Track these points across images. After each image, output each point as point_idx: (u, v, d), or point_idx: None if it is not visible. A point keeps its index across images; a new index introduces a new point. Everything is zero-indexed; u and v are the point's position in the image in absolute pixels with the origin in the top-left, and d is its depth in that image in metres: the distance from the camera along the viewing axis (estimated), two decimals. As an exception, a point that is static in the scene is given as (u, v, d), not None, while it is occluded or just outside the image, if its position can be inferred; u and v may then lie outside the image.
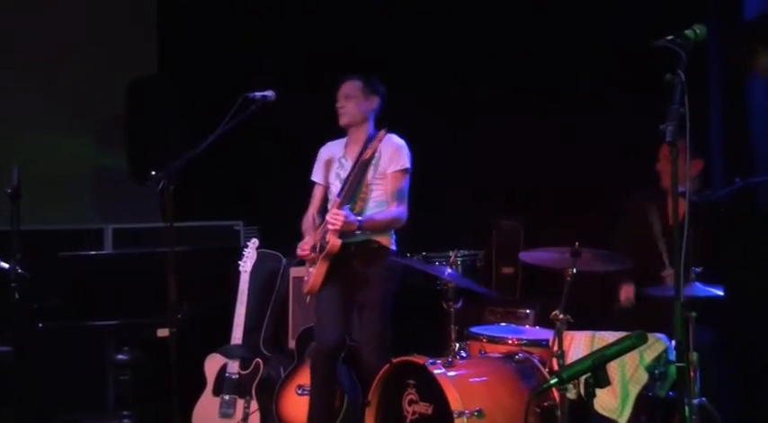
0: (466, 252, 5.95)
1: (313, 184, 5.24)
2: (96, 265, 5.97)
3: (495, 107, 6.44)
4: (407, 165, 5.01)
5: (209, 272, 5.92)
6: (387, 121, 5.12)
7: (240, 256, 5.71)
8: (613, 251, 4.52)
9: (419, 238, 6.28)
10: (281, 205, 6.10)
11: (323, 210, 5.15)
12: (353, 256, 4.93)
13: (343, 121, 5.05)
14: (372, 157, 4.94)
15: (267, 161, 7.26)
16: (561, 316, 4.27)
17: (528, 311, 5.82)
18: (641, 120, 4.44)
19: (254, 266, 5.70)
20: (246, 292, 5.63)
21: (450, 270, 4.90)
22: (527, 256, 4.88)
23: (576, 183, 6.08)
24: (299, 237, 5.17)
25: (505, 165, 6.48)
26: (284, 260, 6.36)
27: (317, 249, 4.92)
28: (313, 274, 4.94)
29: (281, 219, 7.02)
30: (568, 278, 4.36)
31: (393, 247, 5.07)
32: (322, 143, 5.32)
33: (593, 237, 4.68)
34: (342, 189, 4.97)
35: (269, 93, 4.63)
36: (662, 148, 4.93)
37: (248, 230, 6.60)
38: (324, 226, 4.92)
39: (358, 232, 4.87)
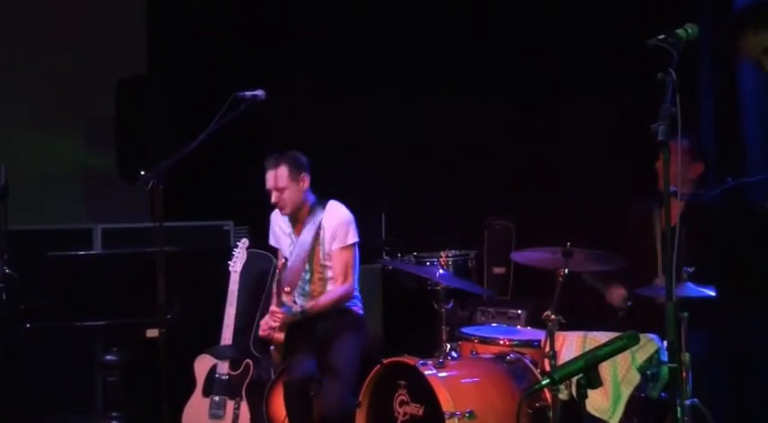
0: (457, 252, 5.94)
1: (273, 249, 5.35)
2: (85, 265, 5.95)
3: (485, 106, 6.45)
4: (353, 239, 5.03)
5: (199, 272, 5.90)
6: (375, 122, 5.10)
7: (230, 257, 5.68)
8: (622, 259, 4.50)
9: (411, 238, 6.29)
10: (271, 205, 6.07)
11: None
12: (315, 321, 5.00)
13: (285, 212, 5.09)
14: (318, 232, 4.99)
15: (257, 161, 7.23)
16: (553, 316, 4.27)
17: (519, 312, 5.81)
18: (636, 118, 4.46)
19: (244, 267, 5.67)
20: (236, 292, 5.60)
21: (441, 270, 4.90)
22: (518, 256, 4.89)
23: (568, 182, 6.09)
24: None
25: (497, 164, 6.49)
26: (274, 260, 6.33)
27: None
28: (274, 350, 5.02)
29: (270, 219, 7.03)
30: (560, 278, 4.35)
31: (358, 310, 5.11)
32: (312, 142, 5.29)
33: (585, 237, 4.68)
34: (286, 280, 4.96)
35: (259, 92, 4.62)
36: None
37: (238, 230, 6.58)
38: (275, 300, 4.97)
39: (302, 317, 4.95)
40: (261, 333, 5.05)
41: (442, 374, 4.45)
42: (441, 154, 6.67)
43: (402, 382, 4.58)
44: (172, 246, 5.60)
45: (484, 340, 4.88)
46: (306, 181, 5.03)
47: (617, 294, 4.84)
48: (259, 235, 6.07)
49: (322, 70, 7.06)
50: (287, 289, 4.88)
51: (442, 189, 6.73)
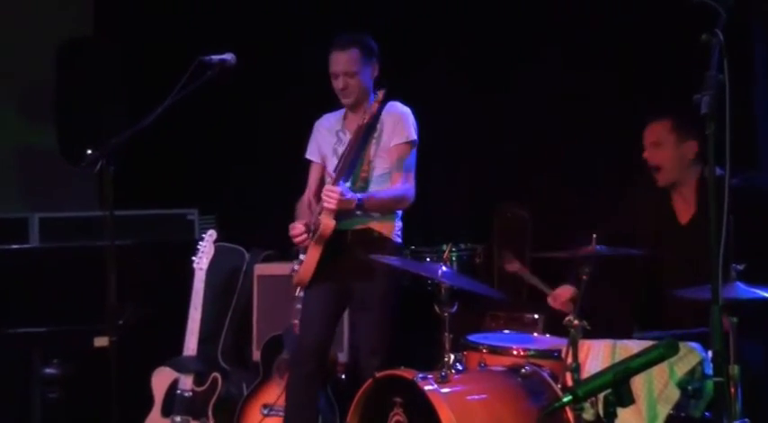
0: (462, 246, 5.95)
1: (309, 163, 5.25)
2: (19, 260, 5.96)
3: (497, 75, 6.46)
4: (413, 136, 5.03)
5: (157, 269, 5.92)
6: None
7: (194, 251, 5.69)
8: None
9: (406, 229, 6.29)
10: (243, 190, 6.10)
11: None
12: (350, 246, 4.95)
13: (349, 101, 5.05)
14: (374, 124, 4.97)
15: (227, 138, 7.26)
16: (576, 322, 4.28)
17: (536, 317, 5.81)
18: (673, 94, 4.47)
19: (212, 263, 5.69)
20: (202, 293, 5.62)
21: (443, 268, 4.90)
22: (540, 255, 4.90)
23: (594, 163, 6.10)
24: (267, 227, 5.17)
25: (509, 141, 6.50)
26: (247, 255, 6.36)
27: (311, 232, 4.94)
28: (303, 262, 4.96)
29: (243, 206, 7.05)
30: (584, 277, 4.36)
31: (398, 240, 5.11)
32: (291, 116, 5.32)
33: (611, 232, 4.70)
34: (338, 163, 4.98)
35: (228, 56, 4.62)
36: (646, 132, 4.94)
37: (204, 220, 6.59)
38: (318, 207, 4.93)
39: (358, 213, 4.91)
40: (292, 233, 4.98)
41: (445, 390, 4.46)
42: (441, 128, 6.67)
43: (398, 400, 4.58)
44: (124, 238, 5.62)
45: (494, 350, 4.88)
46: (375, 68, 5.06)
47: (562, 295, 4.89)
48: (228, 225, 6.09)
49: (300, 30, 7.06)
50: (332, 175, 4.90)
51: (443, 170, 6.73)
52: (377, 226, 5.02)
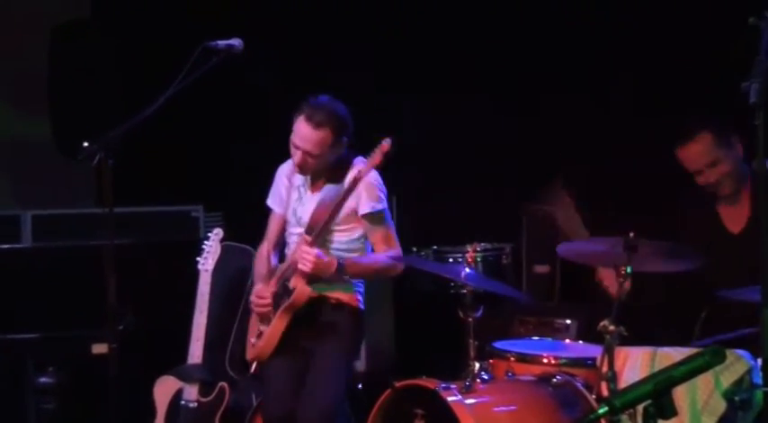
0: (488, 246, 5.94)
1: (269, 210, 5.19)
2: (10, 261, 5.98)
3: (526, 67, 6.49)
4: (381, 206, 4.88)
5: (160, 271, 5.93)
6: (395, 89, 5.09)
7: (200, 251, 5.69)
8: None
9: (429, 228, 6.30)
10: (251, 185, 6.07)
11: (281, 246, 5.14)
12: (308, 315, 4.90)
13: (303, 173, 4.97)
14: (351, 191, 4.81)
15: (233, 130, 7.26)
16: (612, 327, 4.26)
17: (568, 322, 5.82)
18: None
19: (218, 264, 5.69)
20: (208, 296, 5.62)
21: (467, 269, 4.91)
22: (567, 249, 4.89)
23: (630, 157, 6.10)
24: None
25: (539, 135, 6.50)
26: (255, 254, 6.36)
27: (275, 299, 4.90)
28: (266, 334, 4.89)
29: (252, 202, 7.04)
30: (621, 279, 4.35)
31: (361, 306, 5.03)
32: (297, 106, 5.30)
33: (652, 226, 4.69)
34: (315, 224, 4.84)
35: (235, 41, 4.62)
36: (688, 155, 4.95)
37: (210, 218, 6.60)
38: (283, 270, 4.89)
39: (345, 277, 4.86)
40: (258, 306, 4.93)
41: (470, 401, 4.46)
42: (467, 122, 6.67)
43: (419, 411, 4.59)
44: (124, 237, 5.62)
45: (523, 358, 4.88)
46: (344, 146, 4.91)
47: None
48: (236, 223, 6.09)
49: (313, 16, 7.07)
50: (308, 238, 4.75)
51: (469, 166, 6.73)
52: (335, 293, 4.94)
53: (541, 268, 6.16)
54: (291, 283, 4.80)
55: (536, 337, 5.51)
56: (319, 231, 4.75)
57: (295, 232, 4.99)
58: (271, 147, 5.34)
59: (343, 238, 4.90)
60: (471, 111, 6.65)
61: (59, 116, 7.07)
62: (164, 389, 5.65)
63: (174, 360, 5.68)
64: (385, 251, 4.88)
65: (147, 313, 5.81)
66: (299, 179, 5.04)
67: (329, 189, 4.89)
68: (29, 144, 7.47)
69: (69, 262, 5.87)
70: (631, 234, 4.36)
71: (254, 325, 5.02)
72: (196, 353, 5.60)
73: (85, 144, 4.34)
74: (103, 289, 4.30)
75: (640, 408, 3.11)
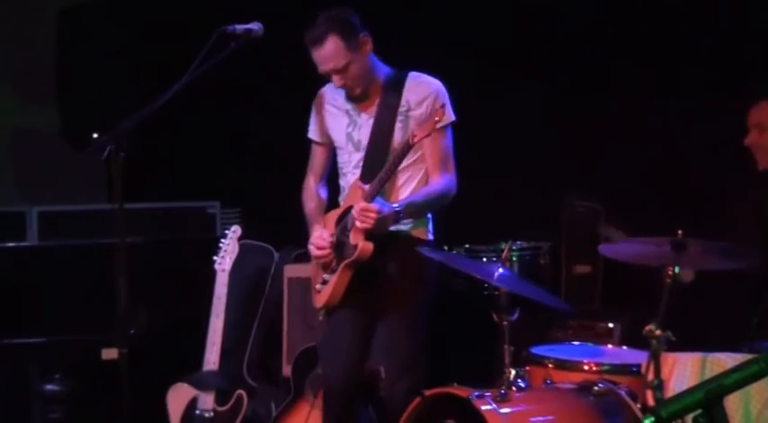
0: (524, 244, 5.93)
1: (310, 142, 5.22)
2: (15, 260, 6.01)
3: (573, 57, 6.51)
4: (450, 117, 4.94)
5: (174, 271, 5.94)
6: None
7: (216, 250, 5.71)
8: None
9: (460, 224, 6.28)
10: (271, 180, 6.11)
11: (330, 176, 5.15)
12: (376, 256, 4.86)
13: (358, 92, 4.96)
14: (395, 104, 4.86)
15: (253, 121, 7.27)
16: (658, 331, 4.24)
17: (611, 326, 5.83)
18: None
19: (236, 264, 5.70)
20: (225, 298, 5.64)
21: (501, 270, 4.89)
22: (610, 249, 4.87)
23: (678, 152, 6.09)
24: (298, 221, 5.17)
25: (579, 125, 6.49)
26: (276, 255, 6.37)
27: (334, 248, 4.91)
28: (331, 284, 4.91)
29: (271, 198, 7.05)
30: (668, 280, 4.33)
31: (431, 237, 5.06)
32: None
33: (700, 224, 4.67)
34: (364, 165, 4.90)
35: (255, 26, 4.62)
36: (750, 114, 4.93)
37: (227, 214, 6.62)
38: (339, 214, 4.92)
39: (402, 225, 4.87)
40: (315, 253, 4.95)
41: (505, 410, 4.44)
42: (501, 111, 6.66)
43: (450, 422, 4.58)
44: (136, 235, 5.65)
45: (562, 364, 4.86)
46: (368, 42, 4.91)
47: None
48: (254, 220, 6.09)
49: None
50: (364, 188, 4.77)
51: (502, 158, 6.72)
52: (406, 229, 4.96)
53: (582, 269, 6.14)
54: (351, 239, 4.81)
55: (576, 342, 5.50)
56: (377, 184, 4.76)
57: (354, 159, 5.02)
58: (293, 138, 5.35)
59: (409, 157, 4.87)
60: (509, 97, 6.65)
61: (68, 105, 7.10)
62: (177, 397, 5.67)
63: (188, 366, 5.70)
64: (440, 175, 4.92)
65: (160, 316, 5.83)
66: (344, 102, 5.05)
67: (383, 108, 4.93)
68: (35, 135, 7.51)
69: (77, 262, 5.90)
70: (680, 232, 4.34)
71: (317, 271, 5.03)
72: (212, 359, 5.62)
73: (95, 135, 4.36)
74: (114, 290, 4.31)
75: (689, 418, 3.10)
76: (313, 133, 5.19)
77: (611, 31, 6.47)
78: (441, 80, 4.95)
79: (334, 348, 5.02)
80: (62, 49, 7.12)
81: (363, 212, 4.68)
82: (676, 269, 4.34)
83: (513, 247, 5.74)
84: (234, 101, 7.19)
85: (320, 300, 4.98)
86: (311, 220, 5.11)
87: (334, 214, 5.00)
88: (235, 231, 5.77)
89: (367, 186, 4.78)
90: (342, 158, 5.09)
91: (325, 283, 4.95)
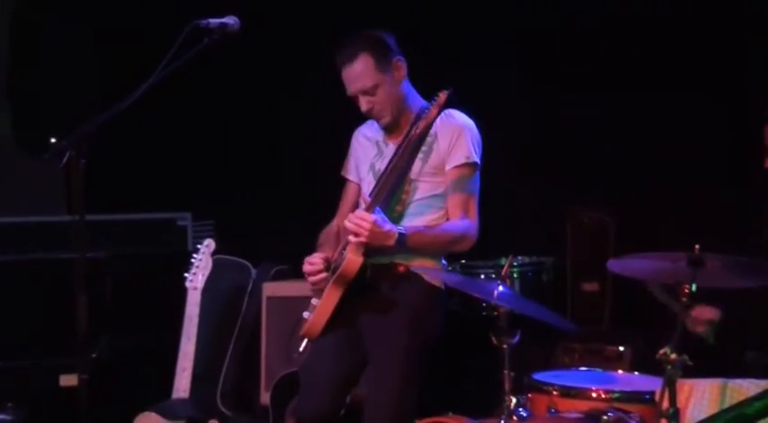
0: (526, 259, 5.93)
1: (344, 181, 5.21)
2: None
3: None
4: (475, 157, 4.93)
5: (141, 289, 5.93)
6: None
7: (188, 266, 5.70)
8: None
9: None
10: (247, 190, 6.11)
11: None
12: (369, 284, 4.86)
13: (386, 120, 4.96)
14: (424, 136, 4.83)
15: (228, 125, 7.27)
16: (674, 355, 4.24)
17: (621, 349, 5.84)
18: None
19: (209, 281, 5.70)
20: (197, 319, 5.63)
21: (501, 287, 4.89)
22: (620, 265, 4.87)
23: (695, 159, 6.11)
24: (277, 234, 5.17)
25: (585, 131, 6.52)
26: (254, 271, 6.37)
27: (331, 271, 4.88)
28: (317, 308, 4.87)
29: (248, 210, 7.06)
30: (685, 299, 4.33)
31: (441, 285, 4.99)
32: (311, 99, 5.31)
33: (717, 239, 4.67)
34: (376, 184, 4.90)
35: (230, 20, 4.60)
36: (766, 134, 4.97)
37: (199, 227, 6.62)
38: (344, 240, 4.87)
39: (410, 252, 4.82)
40: (307, 269, 4.90)
41: (506, 443, 4.46)
42: (499, 117, 6.69)
43: (445, 455, 4.59)
44: (99, 250, 5.63)
45: (568, 392, 4.85)
46: (402, 67, 4.93)
47: (701, 316, 4.85)
48: (230, 234, 6.08)
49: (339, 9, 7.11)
50: (367, 200, 4.77)
51: (502, 166, 6.73)
52: (410, 260, 4.90)
53: (589, 286, 6.16)
54: (345, 252, 4.77)
55: (583, 368, 5.49)
56: (379, 192, 4.77)
57: (371, 187, 4.98)
58: (270, 149, 5.40)
59: (426, 190, 4.88)
60: (508, 98, 6.68)
61: (21, 108, 7.07)
62: (145, 428, 5.66)
63: (156, 394, 5.69)
64: (460, 219, 4.89)
65: (125, 339, 5.81)
66: (376, 133, 5.06)
67: (408, 137, 4.89)
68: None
69: (34, 278, 5.89)
70: (697, 246, 4.34)
71: (311, 303, 4.99)
72: (182, 386, 5.61)
73: (53, 140, 4.33)
74: (73, 310, 4.29)
75: (708, 450, 3.10)
76: (346, 171, 5.20)
77: (619, 32, 6.54)
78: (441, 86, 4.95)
79: (310, 380, 4.97)
80: (15, 44, 7.11)
81: (356, 221, 4.66)
82: (693, 287, 4.34)
83: (514, 263, 5.76)
84: (208, 101, 7.18)
85: (305, 326, 4.93)
86: (318, 245, 5.10)
87: (344, 237, 4.97)
88: (208, 245, 5.77)
89: (369, 198, 4.79)
90: (363, 192, 5.06)
91: (312, 308, 4.92)
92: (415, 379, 4.83)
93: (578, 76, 6.60)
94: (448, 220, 4.90)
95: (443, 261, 5.00)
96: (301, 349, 4.99)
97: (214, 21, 4.54)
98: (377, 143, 5.04)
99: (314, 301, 4.90)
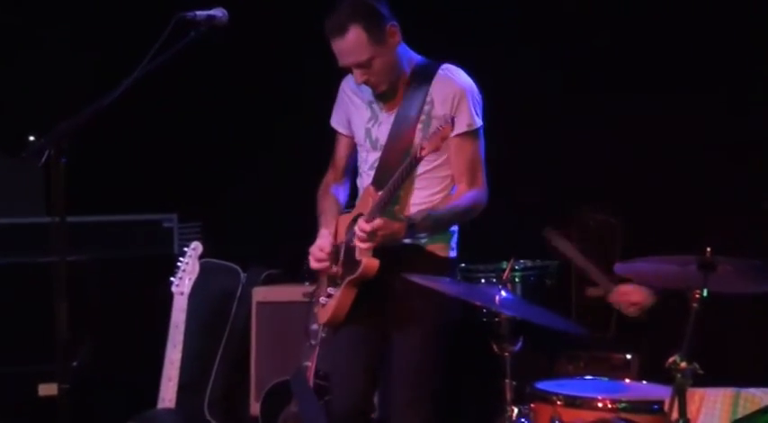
0: (529, 263, 5.92)
1: (333, 132, 5.19)
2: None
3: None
4: (479, 120, 4.93)
5: (124, 294, 5.92)
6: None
7: (174, 270, 5.68)
8: None
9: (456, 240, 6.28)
10: (235, 192, 6.09)
11: (352, 171, 5.16)
12: (387, 270, 4.84)
13: (382, 88, 4.94)
14: (418, 101, 4.85)
15: (216, 122, 7.26)
16: (684, 363, 4.22)
17: (628, 357, 5.85)
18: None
19: (197, 286, 5.68)
20: (183, 326, 5.62)
21: (502, 292, 4.88)
22: (627, 269, 4.85)
23: (706, 157, 6.14)
24: (268, 237, 5.15)
25: (592, 128, 6.52)
26: (243, 276, 6.36)
27: (340, 259, 4.90)
28: (334, 300, 4.90)
29: (237, 211, 7.05)
30: (695, 304, 4.32)
31: (452, 254, 5.04)
32: (302, 94, 5.29)
33: (728, 241, 4.66)
34: (378, 176, 4.88)
35: (218, 12, 4.59)
36: None
37: (186, 229, 6.61)
38: (348, 222, 4.91)
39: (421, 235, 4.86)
40: (314, 263, 4.94)
41: (507, 455, 4.45)
42: (505, 113, 6.68)
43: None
44: (80, 253, 5.62)
45: (572, 401, 4.84)
46: (396, 33, 4.88)
47: (627, 298, 4.86)
48: (218, 235, 6.06)
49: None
50: (378, 192, 4.76)
51: (503, 161, 6.72)
52: (425, 242, 4.94)
53: (595, 291, 6.13)
54: (357, 253, 4.78)
55: (588, 376, 5.48)
56: (389, 190, 4.73)
57: (371, 159, 5.01)
58: (260, 147, 5.38)
59: (428, 161, 4.84)
60: (511, 95, 6.67)
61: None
62: (128, 440, 5.65)
63: (141, 404, 5.67)
64: (467, 185, 4.90)
65: (109, 346, 5.79)
66: (369, 93, 5.02)
67: (406, 105, 4.91)
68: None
69: (12, 283, 5.88)
70: (708, 249, 4.32)
71: (323, 284, 5.02)
72: (168, 395, 5.59)
73: (31, 138, 4.32)
74: (53, 316, 4.27)
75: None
76: (335, 122, 5.19)
77: (626, 29, 6.56)
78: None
79: (339, 376, 5.02)
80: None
81: (365, 233, 4.67)
82: (704, 292, 4.33)
83: (516, 267, 5.76)
84: (195, 98, 7.17)
85: (324, 315, 4.97)
86: (320, 221, 5.09)
87: (347, 218, 4.99)
88: (195, 248, 5.75)
89: (379, 193, 4.77)
90: (360, 156, 5.10)
91: (329, 296, 4.95)
92: (443, 364, 4.93)
93: (582, 68, 6.63)
94: (454, 188, 4.92)
95: (453, 241, 5.03)
96: (323, 335, 5.03)
97: (201, 13, 4.53)
98: (370, 105, 5.03)
99: (330, 289, 4.93)
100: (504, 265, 5.38)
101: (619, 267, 4.88)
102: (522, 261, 5.89)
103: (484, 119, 4.95)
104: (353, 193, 5.16)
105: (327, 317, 4.92)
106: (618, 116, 6.44)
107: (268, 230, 6.50)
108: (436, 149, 4.58)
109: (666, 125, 6.29)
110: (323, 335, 5.09)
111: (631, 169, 6.40)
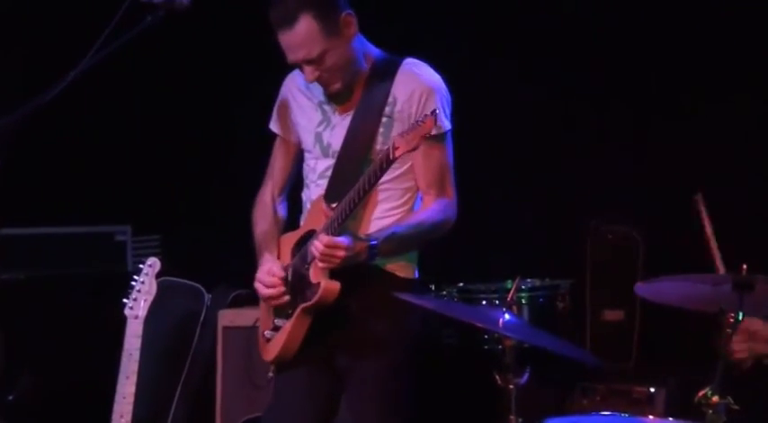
0: (537, 282, 5.92)
1: (273, 136, 5.15)
2: None
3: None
4: (448, 123, 4.88)
5: (70, 318, 5.90)
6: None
7: (128, 289, 5.66)
8: None
9: (453, 257, 6.28)
10: (199, 201, 6.07)
11: (294, 180, 5.12)
12: (341, 294, 4.78)
13: (337, 87, 4.88)
14: (379, 100, 4.81)
15: (177, 123, 7.26)
16: (716, 398, 4.21)
17: (652, 390, 5.83)
18: None
19: (154, 308, 5.65)
20: (138, 353, 5.59)
21: (507, 316, 4.86)
22: (650, 289, 4.83)
23: (736, 163, 6.18)
24: (235, 252, 5.13)
25: (608, 134, 6.57)
26: (207, 297, 6.37)
27: (290, 284, 4.86)
28: (284, 332, 4.86)
29: (199, 224, 7.04)
30: (728, 330, 4.30)
31: (415, 274, 5.00)
32: (272, 95, 5.26)
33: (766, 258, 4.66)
34: (331, 187, 4.84)
35: (180, -6, 4.57)
36: None
37: (141, 242, 6.59)
38: (295, 241, 4.90)
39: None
40: (261, 291, 4.88)
41: None
42: (502, 112, 6.70)
43: None
44: (19, 270, 5.60)
45: (588, 441, 4.86)
46: (352, 23, 4.81)
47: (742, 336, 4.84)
48: (178, 251, 6.04)
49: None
50: (329, 209, 4.74)
51: (508, 170, 6.73)
52: (382, 262, 4.88)
53: (613, 315, 6.14)
54: (311, 276, 4.75)
55: (606, 412, 5.47)
56: (347, 204, 4.67)
57: (320, 167, 4.96)
58: (226, 151, 5.36)
59: (390, 169, 4.72)
60: (513, 98, 6.69)
61: None
62: (75, 485, 5.64)
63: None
64: (434, 198, 4.87)
65: (50, 378, 5.77)
66: (320, 92, 4.98)
67: (364, 105, 4.88)
68: None
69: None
70: (744, 266, 4.30)
71: (267, 314, 4.98)
72: (120, 433, 5.59)
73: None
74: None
75: None
76: (275, 124, 5.15)
77: (643, 36, 6.63)
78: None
79: (285, 417, 4.97)
80: None
81: (328, 250, 4.61)
82: (739, 315, 4.31)
83: (522, 287, 5.74)
84: (152, 96, 7.17)
85: (270, 352, 4.93)
86: (261, 246, 5.05)
87: (291, 238, 4.95)
88: (152, 265, 5.72)
89: (333, 208, 4.73)
90: (307, 165, 5.05)
91: (276, 329, 4.90)
92: (407, 391, 4.91)
93: (592, 73, 6.69)
94: (421, 199, 4.90)
95: (414, 259, 4.97)
96: (269, 375, 5.01)
97: (159, -5, 4.51)
98: (321, 106, 4.98)
99: (277, 321, 4.89)
100: (509, 284, 5.38)
101: (640, 288, 4.86)
102: (529, 280, 5.89)
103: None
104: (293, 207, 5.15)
105: (276, 353, 4.89)
106: (640, 116, 6.49)
107: (235, 245, 6.46)
108: (413, 149, 4.49)
109: (692, 124, 6.32)
110: (270, 375, 5.05)
111: (654, 176, 6.42)
